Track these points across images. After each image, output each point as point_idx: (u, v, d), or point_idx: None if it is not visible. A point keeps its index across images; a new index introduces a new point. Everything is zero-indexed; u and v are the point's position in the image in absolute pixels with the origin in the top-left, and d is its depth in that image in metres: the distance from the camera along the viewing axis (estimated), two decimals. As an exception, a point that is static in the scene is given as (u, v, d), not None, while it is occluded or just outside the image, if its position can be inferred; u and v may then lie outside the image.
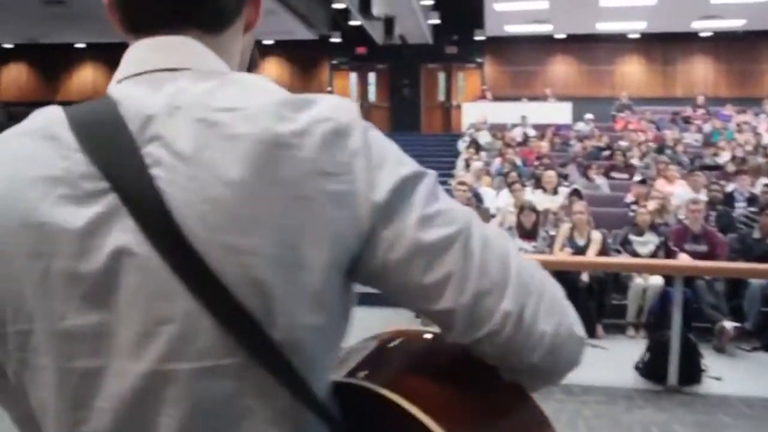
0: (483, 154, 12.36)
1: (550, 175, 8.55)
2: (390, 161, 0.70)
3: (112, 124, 0.68)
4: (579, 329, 0.77)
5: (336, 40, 19.92)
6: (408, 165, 0.71)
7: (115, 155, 0.66)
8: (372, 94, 21.54)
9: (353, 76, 21.67)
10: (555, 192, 8.35)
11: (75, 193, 0.66)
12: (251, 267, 0.64)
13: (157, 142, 0.66)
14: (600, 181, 9.42)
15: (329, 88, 21.38)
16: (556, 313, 0.74)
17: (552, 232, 6.95)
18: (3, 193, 0.67)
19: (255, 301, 0.64)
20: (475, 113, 16.82)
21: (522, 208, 7.13)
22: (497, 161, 11.59)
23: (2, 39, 19.88)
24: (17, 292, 0.66)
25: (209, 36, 0.76)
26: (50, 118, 0.71)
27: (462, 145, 15.36)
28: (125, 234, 0.65)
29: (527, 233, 6.93)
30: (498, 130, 15.40)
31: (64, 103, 0.79)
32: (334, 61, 21.46)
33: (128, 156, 0.66)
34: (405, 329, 0.87)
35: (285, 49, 20.88)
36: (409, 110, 20.74)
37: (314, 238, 0.66)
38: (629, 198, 8.48)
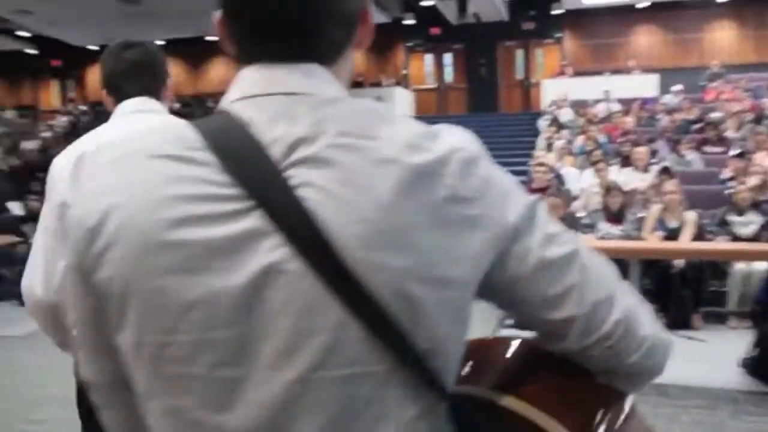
0: (565, 132, 11.85)
1: (640, 152, 8.02)
2: (513, 188, 0.79)
3: (251, 146, 0.72)
4: (666, 334, 0.86)
5: (409, 21, 19.58)
6: (523, 193, 0.80)
7: (259, 176, 0.71)
8: (448, 75, 21.12)
9: (428, 58, 21.30)
10: (646, 170, 7.85)
11: (220, 212, 0.70)
12: (402, 283, 0.70)
13: (304, 165, 0.71)
14: (691, 156, 8.78)
15: (404, 71, 21.10)
16: (651, 320, 0.84)
17: (641, 214, 6.53)
18: (145, 213, 0.71)
19: (404, 314, 0.70)
20: (556, 90, 16.21)
21: (608, 188, 6.75)
22: (580, 139, 11.08)
23: (85, 41, 20.42)
24: (158, 306, 0.71)
25: (326, 65, 0.81)
26: (179, 136, 0.75)
27: (542, 123, 14.87)
28: (273, 251, 0.69)
29: (614, 216, 6.55)
30: (580, 106, 14.84)
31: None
32: (409, 44, 21.12)
33: (273, 177, 0.71)
34: (480, 339, 0.92)
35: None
36: (486, 90, 20.23)
37: (457, 258, 0.73)
38: (725, 174, 7.94)
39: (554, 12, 19.29)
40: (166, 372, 0.72)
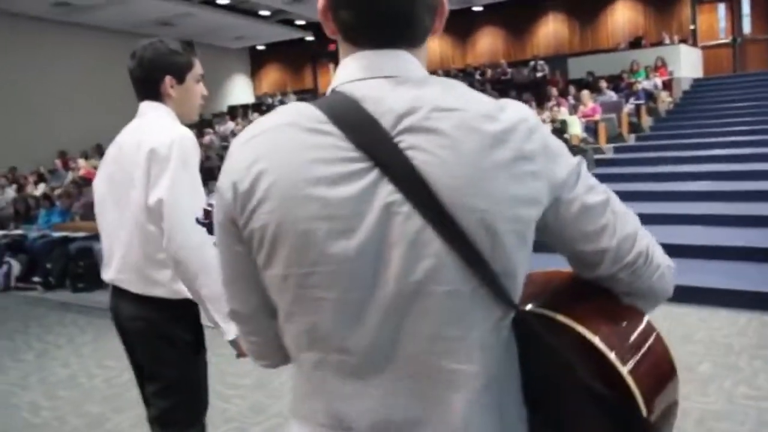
0: None
1: None
2: (563, 152, 1.02)
3: (366, 119, 0.94)
4: (672, 265, 1.10)
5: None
6: (569, 152, 1.03)
7: (375, 142, 0.93)
8: (746, 27, 18.30)
9: (721, 8, 18.63)
10: None
11: (348, 171, 0.93)
12: (485, 220, 0.92)
13: (409, 133, 0.93)
14: None
15: (692, 27, 18.70)
16: (662, 254, 1.09)
17: None
18: (291, 175, 0.93)
19: (485, 244, 0.93)
20: None
21: None
22: None
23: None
24: (304, 245, 0.93)
25: (414, 49, 1.02)
26: (308, 114, 0.97)
27: None
28: (389, 196, 0.92)
29: None
30: None
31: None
32: (697, -6, 18.70)
33: (386, 142, 0.93)
34: (535, 271, 1.14)
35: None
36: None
37: (522, 201, 0.95)
38: None
39: None
40: (307, 296, 0.96)
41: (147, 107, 2.30)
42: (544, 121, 12.44)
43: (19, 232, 10.70)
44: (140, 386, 2.45)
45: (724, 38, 18.54)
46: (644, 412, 0.97)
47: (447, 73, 17.69)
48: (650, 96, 14.53)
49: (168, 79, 2.28)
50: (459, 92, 0.97)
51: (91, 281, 8.39)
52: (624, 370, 0.97)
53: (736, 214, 7.69)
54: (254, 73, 26.17)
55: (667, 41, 17.54)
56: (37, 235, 10.00)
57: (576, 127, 11.60)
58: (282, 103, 21.95)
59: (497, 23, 21.15)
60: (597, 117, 12.20)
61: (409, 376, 0.96)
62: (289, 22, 20.97)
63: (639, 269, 1.04)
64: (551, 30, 20.85)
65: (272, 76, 26.05)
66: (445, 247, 0.92)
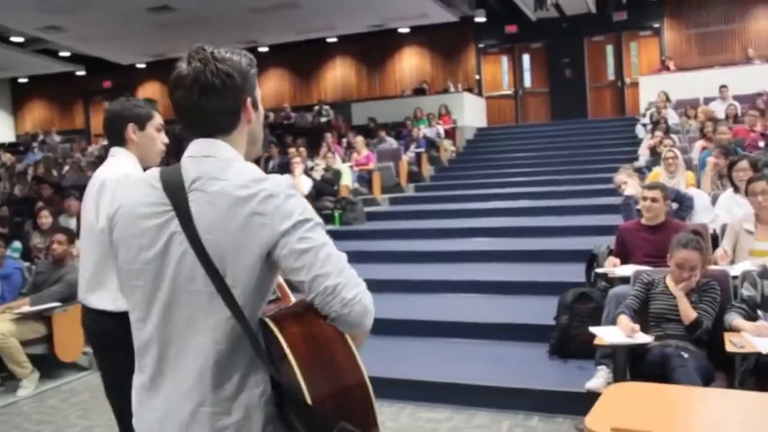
0: (674, 138, 9.06)
1: None
2: (293, 213, 1.49)
3: (178, 181, 1.55)
4: (366, 300, 1.49)
5: (481, 19, 17.01)
6: (302, 215, 1.50)
7: (176, 195, 1.53)
8: (527, 80, 18.46)
9: (504, 60, 18.73)
10: None
11: (157, 210, 1.55)
12: (222, 252, 1.47)
13: (194, 192, 1.52)
14: None
15: (477, 77, 18.60)
16: (355, 291, 1.47)
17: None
18: (129, 208, 1.60)
19: (221, 265, 1.48)
20: (656, 89, 13.37)
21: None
22: (698, 146, 8.26)
23: (126, 58, 18.87)
24: (128, 250, 1.59)
25: (227, 135, 1.61)
26: (152, 175, 1.61)
27: (641, 130, 12.11)
28: (175, 228, 1.52)
29: None
30: (686, 106, 12.07)
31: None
32: (481, 45, 18.65)
33: (182, 196, 1.52)
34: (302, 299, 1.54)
35: (423, 35, 18.42)
36: (572, 94, 17.49)
37: (251, 242, 1.47)
38: None
39: (650, -2, 16.53)
40: (128, 283, 1.62)
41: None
42: (316, 167, 11.24)
43: None
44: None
45: (507, 89, 18.59)
46: (308, 397, 1.36)
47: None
48: (432, 144, 13.88)
49: (130, 127, 2.87)
50: (232, 168, 1.55)
51: None
52: (290, 353, 1.40)
53: (513, 280, 6.78)
54: (16, 108, 23.23)
55: (452, 89, 17.24)
56: None
57: (346, 177, 10.47)
58: (44, 143, 19.38)
59: (283, 65, 20.01)
60: (371, 166, 11.21)
61: (172, 338, 1.56)
62: (52, 53, 18.51)
63: (325, 300, 1.46)
64: (339, 74, 20.06)
65: (38, 113, 23.28)
66: (197, 264, 1.50)
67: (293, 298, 1.77)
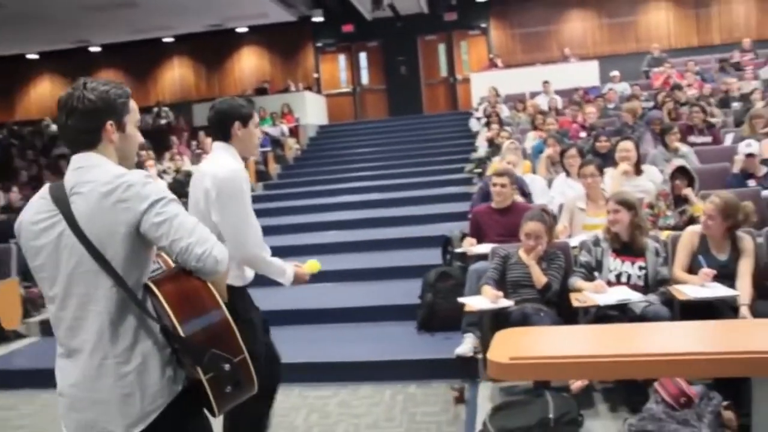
0: (508, 130, 9.88)
1: (627, 148, 5.68)
2: (150, 195, 1.92)
3: (62, 190, 1.96)
4: (216, 251, 1.94)
5: (318, 19, 17.41)
6: (157, 195, 1.94)
7: (61, 201, 1.94)
8: (364, 78, 19.06)
9: (342, 59, 19.20)
10: (639, 172, 5.70)
11: (47, 216, 1.97)
12: (98, 235, 1.91)
13: (74, 195, 1.94)
14: (685, 149, 6.68)
15: (315, 75, 18.95)
16: (205, 246, 1.92)
17: (660, 239, 4.51)
18: (27, 220, 2.01)
19: (101, 245, 1.91)
20: (486, 85, 14.35)
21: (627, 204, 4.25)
22: (531, 136, 9.09)
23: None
24: (30, 250, 2.01)
25: (95, 149, 2.01)
26: (45, 189, 2.02)
27: (475, 123, 12.98)
28: (63, 228, 1.93)
29: (628, 248, 4.26)
30: (515, 101, 13.06)
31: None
32: (319, 44, 18.99)
33: (65, 201, 1.94)
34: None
35: (261, 35, 18.52)
36: (408, 90, 18.27)
37: (120, 222, 1.90)
38: (735, 169, 6.09)
39: (478, 0, 17.55)
40: (37, 275, 2.03)
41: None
42: (167, 170, 11.15)
43: None
44: None
45: (346, 87, 19.08)
46: (181, 332, 1.84)
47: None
48: (277, 143, 14.08)
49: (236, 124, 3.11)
50: (100, 170, 1.96)
51: None
52: (165, 303, 1.86)
53: (375, 267, 7.19)
54: None
55: (293, 88, 17.47)
56: None
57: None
58: None
59: (117, 65, 19.24)
60: (222, 165, 11.18)
61: (74, 311, 1.96)
62: None
63: (183, 258, 1.91)
64: (177, 75, 19.67)
65: None
66: (83, 250, 1.91)
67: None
